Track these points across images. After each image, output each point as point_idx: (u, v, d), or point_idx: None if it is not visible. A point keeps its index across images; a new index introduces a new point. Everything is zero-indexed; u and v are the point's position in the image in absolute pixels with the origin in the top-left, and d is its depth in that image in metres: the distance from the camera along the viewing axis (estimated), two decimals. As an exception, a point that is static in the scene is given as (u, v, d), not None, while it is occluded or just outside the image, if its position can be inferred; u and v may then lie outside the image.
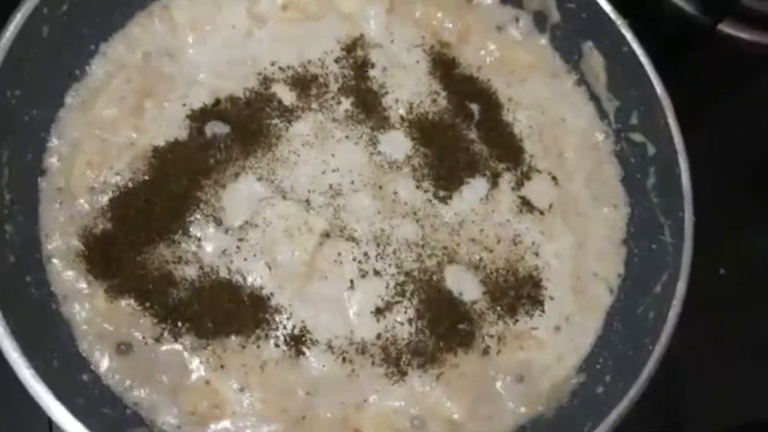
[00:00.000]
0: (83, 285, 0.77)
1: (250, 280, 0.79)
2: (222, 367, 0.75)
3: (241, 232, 0.80)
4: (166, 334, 0.76)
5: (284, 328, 0.78)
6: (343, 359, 0.78)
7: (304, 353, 0.77)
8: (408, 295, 0.81)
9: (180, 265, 0.78)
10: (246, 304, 0.77)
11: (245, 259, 0.79)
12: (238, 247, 0.80)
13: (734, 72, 1.11)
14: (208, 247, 0.79)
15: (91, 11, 0.83)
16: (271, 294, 0.78)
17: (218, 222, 0.80)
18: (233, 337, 0.76)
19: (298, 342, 0.77)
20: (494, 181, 0.87)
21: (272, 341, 0.77)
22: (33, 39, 0.77)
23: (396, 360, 0.78)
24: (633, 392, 0.75)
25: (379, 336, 0.79)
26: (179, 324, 0.76)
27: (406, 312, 0.80)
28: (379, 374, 0.78)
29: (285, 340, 0.77)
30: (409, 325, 0.80)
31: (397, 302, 0.80)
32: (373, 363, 0.78)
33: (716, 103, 1.10)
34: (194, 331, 0.76)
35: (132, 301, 0.77)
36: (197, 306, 0.77)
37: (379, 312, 0.80)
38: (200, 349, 0.76)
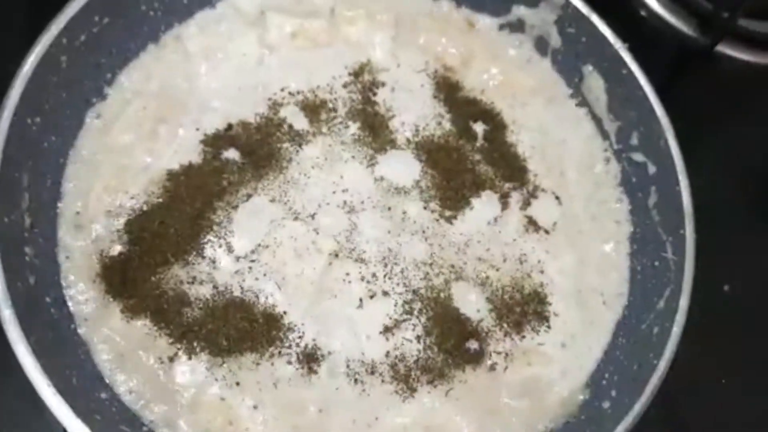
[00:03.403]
0: (101, 305, 0.78)
1: (262, 299, 0.81)
2: (237, 384, 0.77)
3: (252, 252, 0.82)
4: (180, 353, 0.78)
5: (297, 346, 0.79)
6: (355, 380, 0.79)
7: (316, 372, 0.79)
8: (416, 312, 0.83)
9: (194, 285, 0.80)
10: (259, 323, 0.79)
11: (256, 279, 0.81)
12: (250, 267, 0.82)
13: (733, 91, 1.13)
14: (222, 267, 0.81)
15: (107, 41, 0.86)
16: (284, 312, 0.80)
17: (231, 243, 0.82)
18: (248, 355, 0.78)
19: (310, 360, 0.79)
20: (502, 201, 0.89)
21: (285, 359, 0.79)
22: (52, 68, 0.80)
23: (405, 377, 0.80)
24: (638, 407, 0.76)
25: (387, 354, 0.81)
26: (194, 343, 0.78)
27: (414, 329, 0.82)
28: (389, 392, 0.79)
29: (298, 358, 0.79)
30: (417, 342, 0.81)
31: (405, 320, 0.82)
32: (382, 381, 0.80)
33: (716, 122, 1.12)
34: (209, 350, 0.78)
35: (147, 321, 0.78)
36: (211, 325, 0.78)
37: (387, 330, 0.81)
38: (216, 366, 0.77)
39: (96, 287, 0.79)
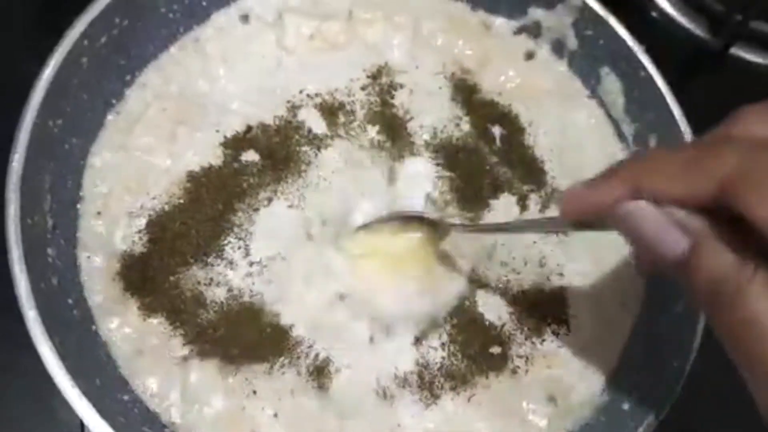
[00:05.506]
0: (120, 304, 0.78)
1: (278, 306, 0.80)
2: (254, 392, 0.76)
3: (270, 259, 0.82)
4: (195, 354, 0.77)
5: (315, 358, 0.79)
6: (384, 395, 0.78)
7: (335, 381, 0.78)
8: (441, 320, 0.82)
9: (211, 287, 0.80)
10: (272, 330, 0.79)
11: (270, 282, 0.81)
12: (263, 272, 0.81)
13: (748, 94, 1.12)
14: (238, 271, 0.81)
15: (127, 43, 0.86)
16: (292, 325, 0.79)
17: (249, 247, 0.82)
18: (261, 364, 0.77)
19: (319, 374, 0.78)
20: (521, 204, 0.89)
21: (300, 369, 0.78)
22: (74, 70, 0.80)
23: (429, 384, 0.79)
24: (658, 409, 0.76)
25: (415, 362, 0.80)
26: (207, 347, 0.77)
27: (439, 337, 0.82)
28: (414, 400, 0.79)
29: (308, 370, 0.78)
30: (442, 349, 0.81)
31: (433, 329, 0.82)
32: (409, 390, 0.79)
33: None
34: (222, 355, 0.77)
35: (163, 320, 0.78)
36: (224, 330, 0.78)
37: (417, 341, 0.81)
38: (230, 375, 0.76)
39: (115, 286, 0.79)
